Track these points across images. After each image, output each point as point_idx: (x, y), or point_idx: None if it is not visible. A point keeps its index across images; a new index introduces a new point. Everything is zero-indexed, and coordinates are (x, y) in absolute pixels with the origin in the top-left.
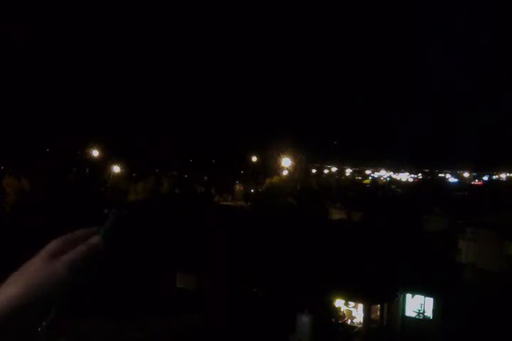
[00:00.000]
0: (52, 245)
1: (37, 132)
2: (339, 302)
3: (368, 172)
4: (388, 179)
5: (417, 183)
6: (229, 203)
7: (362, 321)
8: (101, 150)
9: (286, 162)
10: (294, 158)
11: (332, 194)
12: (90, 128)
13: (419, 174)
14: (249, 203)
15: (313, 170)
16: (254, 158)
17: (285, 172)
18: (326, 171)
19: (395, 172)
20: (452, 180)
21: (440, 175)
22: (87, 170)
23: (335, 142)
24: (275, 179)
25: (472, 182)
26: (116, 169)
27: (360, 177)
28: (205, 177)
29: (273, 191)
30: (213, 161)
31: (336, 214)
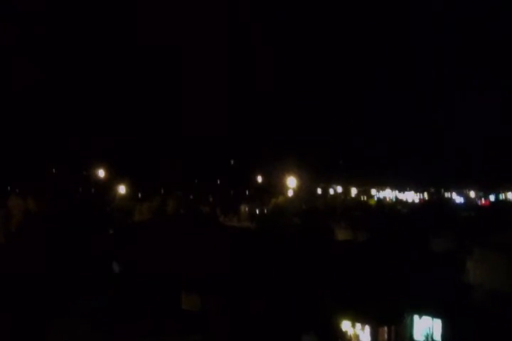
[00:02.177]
0: None
1: (43, 152)
2: (346, 324)
3: (373, 191)
4: (394, 200)
5: (423, 204)
6: (234, 224)
7: None
8: (106, 171)
9: (291, 182)
10: (299, 178)
11: (338, 214)
12: (96, 149)
13: (425, 193)
14: (254, 224)
15: (319, 190)
16: (259, 178)
17: (290, 192)
18: (331, 190)
19: (400, 191)
20: (458, 199)
21: (446, 193)
22: (93, 190)
23: (340, 162)
24: (280, 199)
25: (478, 202)
26: (122, 189)
27: (365, 197)
28: (211, 198)
29: (278, 211)
30: (218, 181)
31: (342, 235)
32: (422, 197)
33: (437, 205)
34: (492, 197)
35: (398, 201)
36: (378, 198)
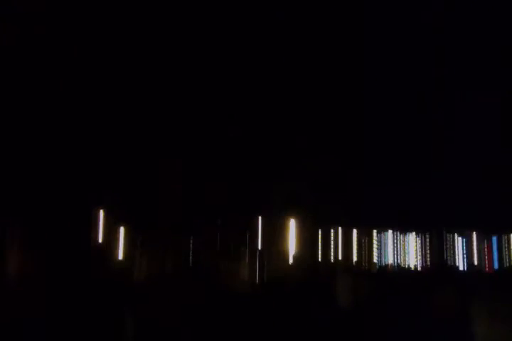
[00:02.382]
0: None
1: (39, 206)
2: None
3: (374, 232)
4: (396, 266)
5: (426, 271)
6: (235, 274)
7: None
8: (106, 216)
9: (291, 230)
10: (300, 226)
11: (339, 279)
12: (95, 193)
13: (427, 234)
14: (255, 288)
15: (320, 239)
16: (259, 227)
17: (291, 254)
18: (331, 236)
19: (401, 232)
20: (461, 267)
21: (448, 234)
22: (93, 237)
23: (341, 210)
24: (281, 262)
25: (482, 269)
26: (121, 236)
27: (366, 240)
28: (210, 254)
29: (279, 274)
30: (217, 236)
31: (344, 299)
32: (424, 264)
33: (442, 275)
34: (494, 239)
35: (401, 268)
36: (380, 266)
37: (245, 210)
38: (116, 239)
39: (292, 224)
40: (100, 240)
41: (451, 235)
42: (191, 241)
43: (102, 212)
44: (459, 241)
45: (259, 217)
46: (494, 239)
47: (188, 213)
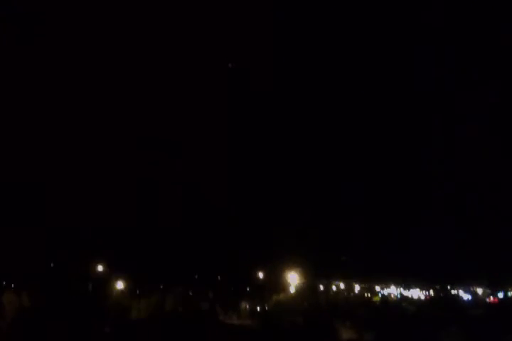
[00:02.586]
0: None
1: (39, 247)
2: None
3: (377, 288)
4: (399, 296)
5: (429, 300)
6: (234, 321)
7: None
8: (104, 266)
9: (292, 278)
10: (301, 274)
11: (341, 312)
12: (94, 243)
13: (431, 290)
14: (255, 322)
15: (321, 287)
16: (260, 274)
17: (292, 289)
18: (333, 287)
19: (404, 288)
20: (466, 296)
21: (453, 291)
22: (90, 286)
23: (343, 258)
24: (281, 296)
25: (487, 300)
26: (120, 285)
27: (369, 294)
28: (210, 294)
29: (280, 309)
30: (218, 277)
31: (346, 334)
32: (427, 294)
33: (444, 302)
34: (501, 295)
35: (403, 298)
36: (383, 295)
37: (246, 266)
38: (117, 290)
39: (293, 278)
40: (101, 291)
41: (456, 291)
42: (193, 284)
43: (102, 266)
44: (464, 297)
45: (260, 272)
46: (501, 294)
47: (188, 266)
